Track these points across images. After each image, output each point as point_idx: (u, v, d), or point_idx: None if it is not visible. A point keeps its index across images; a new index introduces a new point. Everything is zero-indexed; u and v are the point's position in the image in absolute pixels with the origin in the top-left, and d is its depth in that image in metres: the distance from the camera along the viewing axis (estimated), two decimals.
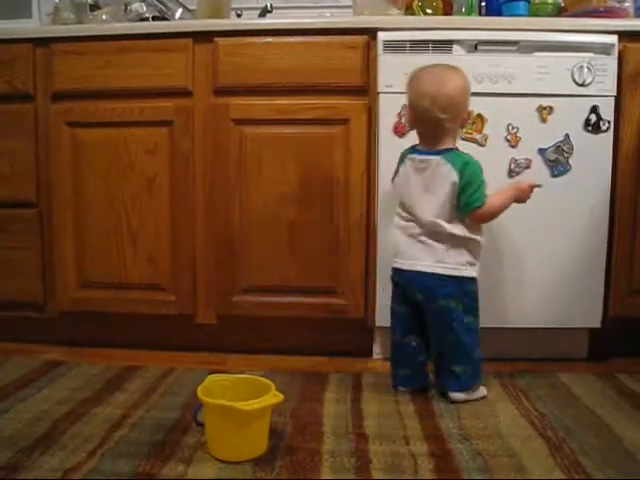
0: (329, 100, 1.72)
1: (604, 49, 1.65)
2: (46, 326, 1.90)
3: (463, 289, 1.43)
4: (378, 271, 1.72)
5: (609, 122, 1.66)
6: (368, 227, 1.74)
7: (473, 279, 1.45)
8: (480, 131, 1.66)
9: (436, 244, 1.42)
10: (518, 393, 1.50)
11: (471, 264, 1.44)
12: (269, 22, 1.92)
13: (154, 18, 1.99)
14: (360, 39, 1.70)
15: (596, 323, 1.72)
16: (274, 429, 1.25)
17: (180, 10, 2.08)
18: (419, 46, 1.67)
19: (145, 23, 1.93)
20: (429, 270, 1.42)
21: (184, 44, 1.75)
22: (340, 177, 1.73)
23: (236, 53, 1.73)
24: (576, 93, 1.65)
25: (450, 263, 1.41)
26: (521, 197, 1.48)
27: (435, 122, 1.41)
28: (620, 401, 1.44)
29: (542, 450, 1.19)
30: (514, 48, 1.66)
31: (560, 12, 1.86)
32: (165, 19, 2.02)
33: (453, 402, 1.42)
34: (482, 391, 1.46)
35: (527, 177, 1.62)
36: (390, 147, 1.68)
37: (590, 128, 1.66)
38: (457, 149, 1.45)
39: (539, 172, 1.66)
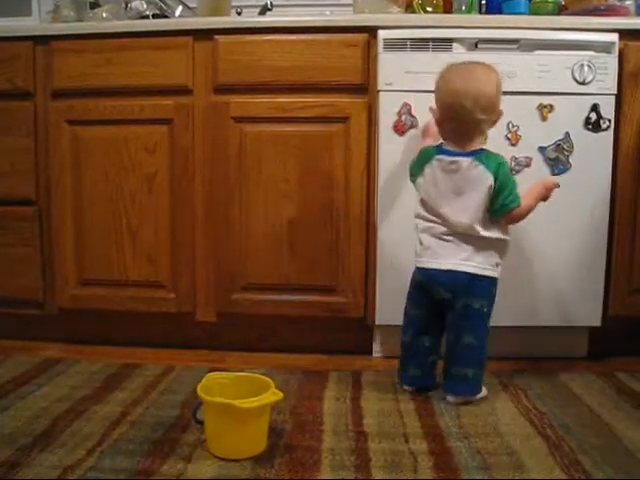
0: (329, 98, 1.72)
1: (605, 47, 1.65)
2: (46, 324, 1.90)
3: (488, 290, 1.42)
4: (378, 269, 1.72)
5: (609, 120, 1.65)
6: (368, 225, 1.73)
7: (496, 281, 1.43)
8: None
9: (464, 244, 1.40)
10: (517, 392, 1.50)
11: (498, 265, 1.43)
12: (269, 20, 1.92)
13: (154, 16, 1.98)
14: (360, 37, 1.70)
15: (596, 322, 1.72)
16: (274, 427, 1.25)
17: (180, 8, 2.07)
18: (419, 44, 1.66)
19: (145, 21, 1.93)
20: (458, 268, 1.39)
21: (184, 42, 1.75)
22: (340, 175, 1.72)
23: (236, 51, 1.73)
24: (576, 91, 1.65)
25: (480, 262, 1.40)
26: (546, 195, 1.47)
27: (474, 123, 1.38)
28: (620, 400, 1.44)
29: (541, 449, 1.19)
30: (514, 46, 1.66)
31: (561, 10, 1.86)
32: (165, 17, 2.02)
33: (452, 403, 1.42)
34: (484, 392, 1.46)
35: (527, 176, 1.62)
36: (390, 145, 1.68)
37: (590, 126, 1.66)
38: (486, 149, 1.42)
39: (539, 171, 1.66)
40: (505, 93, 1.59)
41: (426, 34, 1.66)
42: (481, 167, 1.38)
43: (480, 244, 1.40)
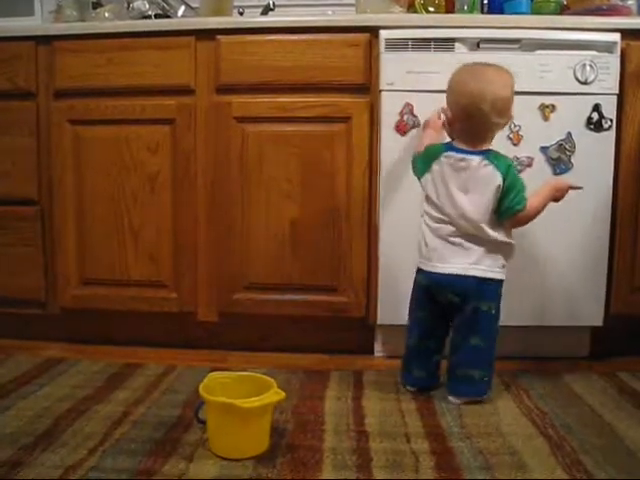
0: (331, 98, 1.72)
1: (607, 47, 1.64)
2: (47, 323, 1.90)
3: (496, 292, 1.42)
4: (380, 269, 1.72)
5: (611, 120, 1.65)
6: (370, 225, 1.73)
7: (503, 282, 1.43)
8: None
9: (472, 246, 1.39)
10: (519, 391, 1.50)
11: (504, 267, 1.43)
12: (271, 20, 1.92)
13: (156, 16, 1.98)
14: (362, 37, 1.70)
15: (598, 321, 1.72)
16: (275, 427, 1.25)
17: (182, 8, 2.08)
18: (421, 44, 1.66)
19: (147, 21, 1.93)
20: (467, 272, 1.38)
21: (186, 42, 1.75)
22: (342, 175, 1.72)
23: (238, 51, 1.73)
24: (578, 91, 1.65)
25: (488, 265, 1.39)
26: (558, 196, 1.45)
27: (488, 125, 1.38)
28: (621, 400, 1.44)
29: (543, 449, 1.19)
30: (516, 46, 1.66)
31: (562, 10, 1.85)
32: (167, 17, 2.02)
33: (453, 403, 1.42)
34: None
35: (529, 176, 1.61)
36: (392, 145, 1.68)
37: (592, 126, 1.66)
38: (494, 150, 1.42)
39: (541, 170, 1.66)
40: None
41: (428, 34, 1.66)
42: (491, 167, 1.37)
43: (488, 247, 1.39)
